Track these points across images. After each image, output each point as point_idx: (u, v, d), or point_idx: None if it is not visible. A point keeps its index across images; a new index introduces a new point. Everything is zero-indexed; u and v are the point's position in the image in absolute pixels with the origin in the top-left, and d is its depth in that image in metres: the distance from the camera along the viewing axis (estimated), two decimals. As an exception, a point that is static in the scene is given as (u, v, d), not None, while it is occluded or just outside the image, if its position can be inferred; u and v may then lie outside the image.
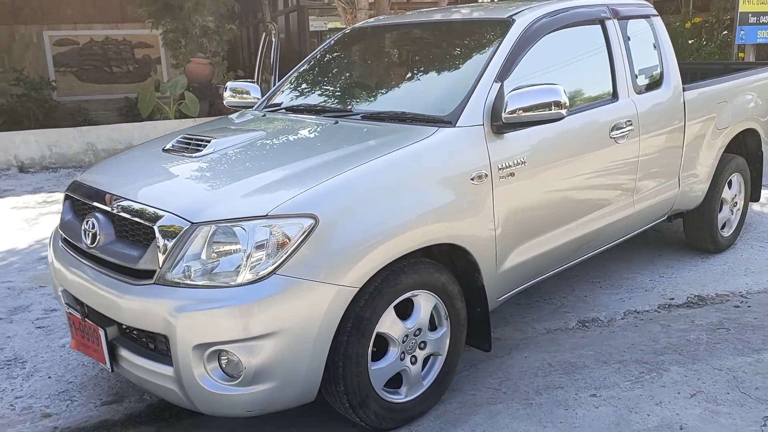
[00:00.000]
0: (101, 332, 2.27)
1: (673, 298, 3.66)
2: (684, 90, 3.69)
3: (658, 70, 3.57)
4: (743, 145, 4.50)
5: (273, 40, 4.94)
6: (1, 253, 4.73)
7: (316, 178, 2.23)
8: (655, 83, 3.54)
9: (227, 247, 2.09)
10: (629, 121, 3.26)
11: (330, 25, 13.02)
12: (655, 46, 3.60)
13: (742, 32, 9.12)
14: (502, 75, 2.73)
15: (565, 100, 2.57)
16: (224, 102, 3.80)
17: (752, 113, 4.35)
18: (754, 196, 4.65)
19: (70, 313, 2.46)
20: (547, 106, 2.57)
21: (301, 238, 2.08)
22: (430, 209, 2.40)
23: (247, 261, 2.05)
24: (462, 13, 3.38)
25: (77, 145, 8.03)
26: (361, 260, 2.17)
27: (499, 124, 2.62)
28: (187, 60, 9.45)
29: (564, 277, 3.89)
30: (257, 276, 2.04)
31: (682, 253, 4.36)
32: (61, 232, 2.68)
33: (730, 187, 4.31)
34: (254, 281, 2.04)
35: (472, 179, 2.54)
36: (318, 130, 2.86)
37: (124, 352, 2.26)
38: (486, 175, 2.58)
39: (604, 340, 3.18)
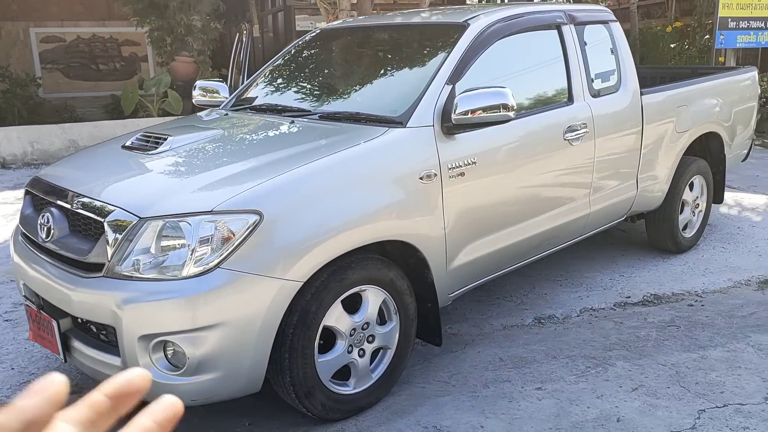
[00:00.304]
0: (54, 324, 2.34)
1: (629, 297, 3.76)
2: (642, 94, 3.78)
3: (615, 74, 3.66)
4: (707, 148, 4.60)
5: (244, 40, 5.01)
6: (-25, 248, 4.78)
7: (264, 176, 2.31)
8: (612, 87, 3.63)
9: (174, 242, 2.16)
10: (584, 123, 3.34)
11: (317, 25, 13.07)
12: (612, 51, 3.69)
13: (722, 36, 9.24)
14: (454, 78, 2.82)
15: (512, 102, 2.66)
16: (193, 101, 3.86)
17: (715, 117, 4.45)
18: (717, 198, 4.76)
19: (27, 305, 2.53)
20: (495, 108, 2.65)
21: (245, 234, 2.15)
22: (377, 207, 2.48)
23: (192, 255, 2.12)
24: (422, 16, 3.46)
25: (59, 142, 8.07)
26: (306, 255, 2.25)
27: (450, 125, 2.70)
28: (172, 58, 9.50)
29: (526, 274, 3.98)
30: (202, 269, 2.12)
31: (644, 253, 4.45)
32: (20, 227, 2.75)
33: (691, 189, 4.40)
34: (199, 274, 2.12)
35: (420, 178, 2.61)
36: (274, 129, 2.93)
37: (76, 344, 2.34)
38: (435, 174, 2.66)
39: (557, 336, 3.27)
